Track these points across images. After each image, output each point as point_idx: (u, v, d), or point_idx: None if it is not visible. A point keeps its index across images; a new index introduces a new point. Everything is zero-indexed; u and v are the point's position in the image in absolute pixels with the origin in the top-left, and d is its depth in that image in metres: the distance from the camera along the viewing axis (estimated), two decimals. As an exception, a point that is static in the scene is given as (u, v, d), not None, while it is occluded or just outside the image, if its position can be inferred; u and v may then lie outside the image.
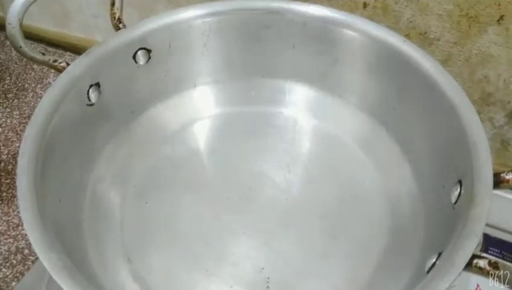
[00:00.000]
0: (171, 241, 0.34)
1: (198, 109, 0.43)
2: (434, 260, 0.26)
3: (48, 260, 0.24)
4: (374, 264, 0.33)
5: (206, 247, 0.34)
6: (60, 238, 0.26)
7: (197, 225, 0.35)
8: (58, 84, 0.32)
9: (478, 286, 0.36)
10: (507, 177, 0.27)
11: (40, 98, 0.31)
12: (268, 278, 0.32)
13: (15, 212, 0.53)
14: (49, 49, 0.73)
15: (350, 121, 0.41)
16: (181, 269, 0.33)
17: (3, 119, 0.64)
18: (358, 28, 0.37)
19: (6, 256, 0.50)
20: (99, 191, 0.36)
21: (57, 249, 0.25)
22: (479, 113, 0.31)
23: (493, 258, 0.24)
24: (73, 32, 0.72)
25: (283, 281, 0.32)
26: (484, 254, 0.24)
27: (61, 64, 0.35)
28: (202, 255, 0.34)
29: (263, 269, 0.33)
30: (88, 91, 0.34)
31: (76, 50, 0.72)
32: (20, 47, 0.34)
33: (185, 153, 0.40)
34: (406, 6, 0.43)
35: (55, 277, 0.23)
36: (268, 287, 0.32)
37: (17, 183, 0.27)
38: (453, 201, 0.29)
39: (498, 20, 0.40)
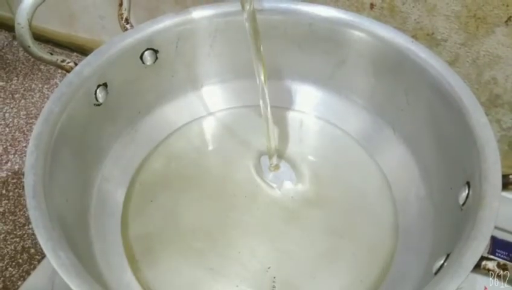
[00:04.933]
0: (176, 239, 0.35)
1: (205, 109, 0.43)
2: (442, 261, 0.26)
3: (55, 258, 0.24)
4: (381, 265, 0.33)
5: (211, 245, 0.34)
6: (66, 237, 0.26)
7: (202, 223, 0.35)
8: (66, 84, 0.32)
9: (486, 288, 0.36)
10: (516, 178, 0.27)
11: (47, 98, 0.31)
12: (275, 277, 0.32)
13: (21, 212, 0.53)
14: (56, 50, 0.74)
15: (357, 122, 0.41)
16: (186, 268, 0.33)
17: (10, 120, 0.65)
18: (366, 29, 0.37)
19: (13, 255, 0.50)
20: (105, 190, 0.36)
21: (65, 248, 0.25)
22: (486, 115, 0.30)
23: (502, 261, 0.23)
24: (80, 33, 0.72)
25: (289, 280, 0.32)
26: (491, 257, 0.24)
27: (69, 64, 0.35)
28: (207, 254, 0.34)
29: (269, 268, 0.33)
30: (95, 91, 0.35)
31: (83, 51, 0.72)
32: (29, 47, 0.34)
33: (191, 152, 0.40)
34: (413, 7, 0.43)
35: (63, 276, 0.23)
36: (274, 286, 0.32)
37: (25, 182, 0.27)
38: (461, 202, 0.28)
39: (506, 21, 0.40)
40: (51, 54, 0.35)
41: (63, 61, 0.35)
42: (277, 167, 0.39)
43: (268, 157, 0.39)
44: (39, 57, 0.35)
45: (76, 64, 0.34)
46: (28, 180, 0.27)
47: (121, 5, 0.38)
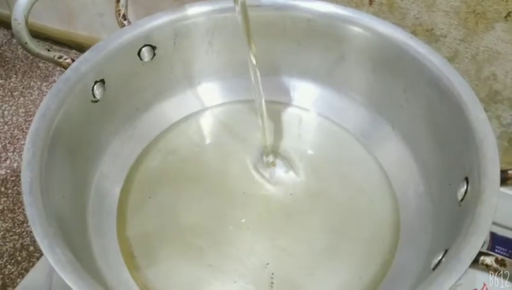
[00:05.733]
0: (174, 236, 0.34)
1: (203, 105, 0.43)
2: (440, 257, 0.26)
3: (52, 255, 0.24)
4: (380, 261, 0.33)
5: (210, 242, 0.34)
6: (64, 234, 0.26)
7: (200, 219, 0.35)
8: (63, 81, 0.32)
9: (485, 285, 0.36)
10: (515, 174, 0.27)
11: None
12: (273, 273, 0.32)
13: (20, 210, 0.54)
14: (55, 47, 0.74)
15: (356, 119, 0.41)
16: (185, 265, 0.33)
17: (9, 117, 0.65)
18: (365, 25, 0.37)
19: (12, 253, 0.50)
20: (103, 187, 0.36)
21: (62, 245, 0.25)
22: (486, 111, 0.30)
23: (500, 256, 0.23)
24: (79, 31, 0.72)
25: (287, 276, 0.32)
26: (490, 252, 0.24)
27: (66, 61, 0.35)
28: (206, 250, 0.34)
29: (267, 264, 0.33)
30: (93, 87, 0.34)
31: (82, 48, 0.72)
32: (26, 43, 0.34)
33: (189, 149, 0.40)
34: (413, 2, 0.43)
35: (60, 272, 0.23)
36: (272, 282, 0.32)
37: (22, 178, 0.27)
38: (460, 198, 0.28)
39: (505, 17, 0.40)
40: (48, 50, 0.35)
41: (60, 57, 0.35)
42: (273, 163, 0.39)
43: (265, 153, 0.39)
44: (36, 54, 0.35)
45: (73, 60, 0.34)
46: (25, 177, 0.27)
47: (118, 1, 0.37)
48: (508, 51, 0.42)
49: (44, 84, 0.69)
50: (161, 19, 0.38)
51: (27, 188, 0.26)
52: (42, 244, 0.24)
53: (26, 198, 0.26)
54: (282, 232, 0.35)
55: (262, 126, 0.37)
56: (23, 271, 0.49)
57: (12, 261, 0.49)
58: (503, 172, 0.27)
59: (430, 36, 0.44)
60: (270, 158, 0.39)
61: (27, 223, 0.52)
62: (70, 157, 0.32)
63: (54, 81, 0.70)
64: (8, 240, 0.51)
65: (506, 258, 0.23)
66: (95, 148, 0.36)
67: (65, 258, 0.24)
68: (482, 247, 0.24)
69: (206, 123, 0.42)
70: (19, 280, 0.48)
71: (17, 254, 0.50)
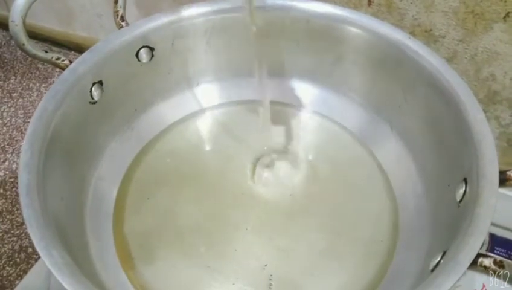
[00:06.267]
0: (173, 237, 0.34)
1: (201, 106, 0.43)
2: (438, 258, 0.26)
3: (49, 257, 0.24)
4: (379, 262, 0.33)
5: (208, 243, 0.34)
6: (61, 235, 0.26)
7: (199, 220, 0.35)
8: (61, 82, 0.32)
9: (484, 286, 0.36)
10: (513, 174, 0.27)
11: (45, 97, 0.31)
12: (271, 275, 0.32)
13: (19, 211, 0.53)
14: (54, 48, 0.74)
15: (354, 119, 0.41)
16: (183, 266, 0.33)
17: (8, 119, 0.65)
18: (363, 25, 0.37)
19: (10, 254, 0.50)
20: (101, 188, 0.35)
21: (59, 247, 0.24)
22: (485, 111, 0.30)
23: (498, 257, 0.23)
24: (78, 32, 0.72)
25: (286, 277, 0.32)
26: (490, 254, 0.24)
27: (64, 62, 0.35)
28: (204, 252, 0.33)
29: (266, 265, 0.33)
30: (91, 89, 0.34)
31: (81, 49, 0.72)
32: (23, 45, 0.34)
33: (187, 150, 0.40)
34: (411, 3, 0.43)
35: (56, 275, 0.23)
36: (271, 284, 0.32)
37: (19, 180, 0.26)
38: (458, 199, 0.28)
39: (504, 17, 0.40)
40: (46, 52, 0.35)
41: (57, 59, 0.35)
42: (272, 164, 0.39)
43: (263, 154, 0.39)
44: (34, 55, 0.35)
45: (71, 62, 0.34)
46: (22, 178, 0.27)
47: (116, 2, 0.37)
48: (507, 52, 0.42)
49: (43, 85, 0.69)
50: (159, 20, 0.38)
51: (24, 190, 0.26)
52: (39, 246, 0.24)
53: (23, 200, 0.26)
54: (281, 233, 0.34)
55: (262, 127, 0.37)
56: (21, 273, 0.48)
57: (11, 263, 0.49)
58: (502, 173, 0.27)
59: (428, 37, 0.44)
60: (269, 159, 0.39)
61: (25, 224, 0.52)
62: (68, 159, 0.32)
63: (53, 82, 0.69)
64: (6, 241, 0.51)
65: (504, 260, 0.23)
66: (92, 150, 0.36)
67: (62, 260, 0.23)
68: (481, 248, 0.24)
69: (205, 124, 0.42)
70: (17, 281, 0.48)
71: (16, 255, 0.50)
